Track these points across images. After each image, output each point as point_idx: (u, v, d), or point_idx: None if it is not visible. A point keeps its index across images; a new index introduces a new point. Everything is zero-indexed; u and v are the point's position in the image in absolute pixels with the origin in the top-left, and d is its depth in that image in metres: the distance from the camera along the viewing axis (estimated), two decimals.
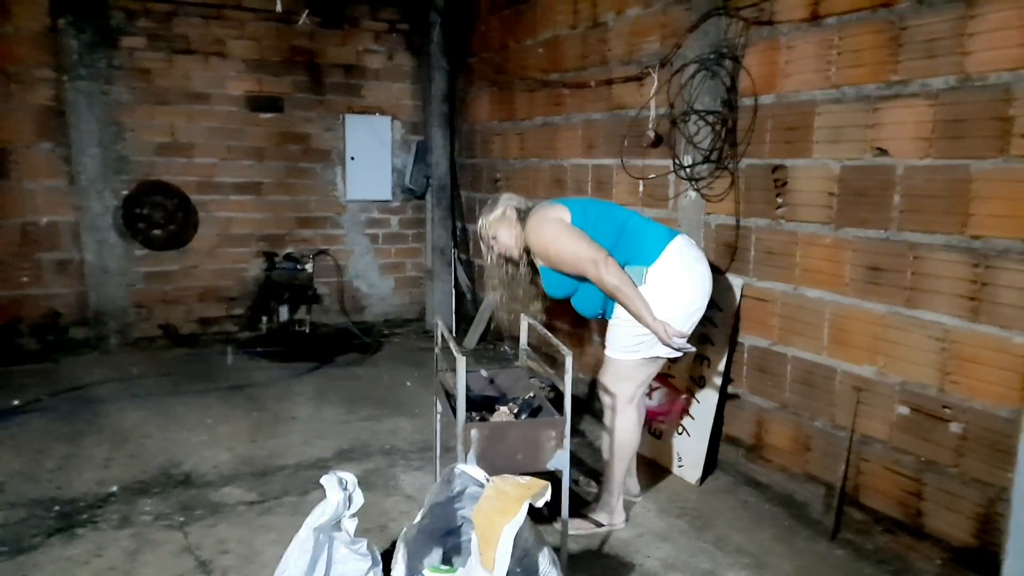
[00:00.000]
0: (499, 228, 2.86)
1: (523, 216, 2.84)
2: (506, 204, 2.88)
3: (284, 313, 5.55)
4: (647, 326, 2.60)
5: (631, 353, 2.74)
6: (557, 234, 2.68)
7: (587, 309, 2.87)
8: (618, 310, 2.72)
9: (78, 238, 5.06)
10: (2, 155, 4.80)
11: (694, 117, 3.22)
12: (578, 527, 2.79)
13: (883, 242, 2.59)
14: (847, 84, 2.67)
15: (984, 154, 2.27)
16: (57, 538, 2.70)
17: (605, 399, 2.84)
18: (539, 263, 2.84)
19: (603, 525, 2.83)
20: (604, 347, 2.83)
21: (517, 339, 2.96)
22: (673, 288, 2.65)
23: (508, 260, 2.94)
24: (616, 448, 2.82)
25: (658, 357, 2.75)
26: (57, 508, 2.91)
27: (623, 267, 2.63)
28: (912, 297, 2.51)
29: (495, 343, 5.46)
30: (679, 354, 2.71)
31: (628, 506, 2.98)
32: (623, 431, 2.81)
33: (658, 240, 2.69)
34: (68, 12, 4.80)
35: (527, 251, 2.87)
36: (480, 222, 2.93)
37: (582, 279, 2.72)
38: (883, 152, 2.56)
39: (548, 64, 4.52)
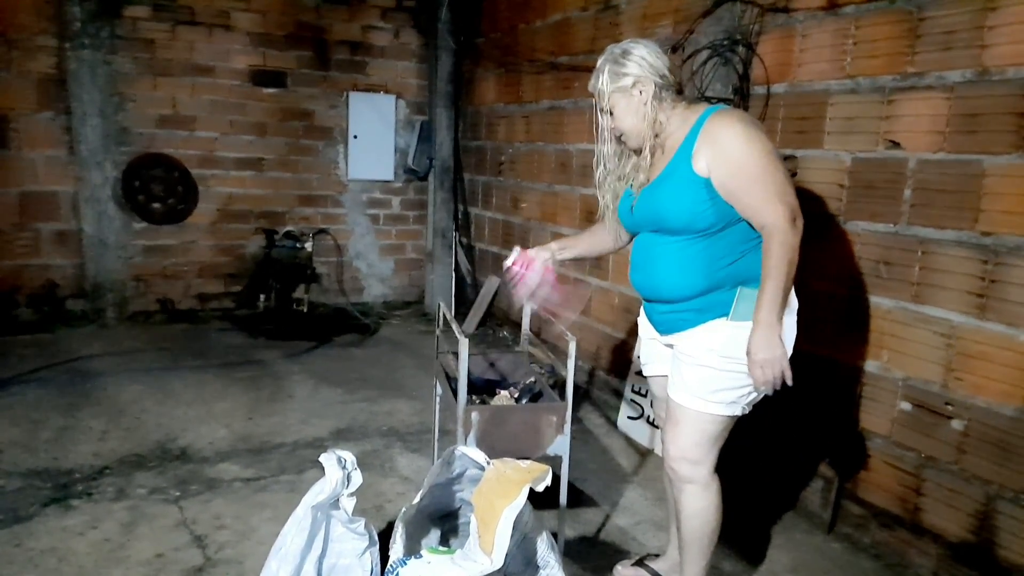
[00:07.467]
0: (619, 102, 2.01)
1: (667, 89, 1.99)
2: (641, 68, 1.98)
3: (282, 292, 5.52)
4: (762, 340, 1.85)
5: (730, 404, 1.98)
6: (770, 154, 1.87)
7: (674, 275, 2.00)
8: (730, 334, 1.93)
9: (77, 209, 5.02)
10: (2, 123, 4.75)
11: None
12: None
13: (892, 236, 2.56)
14: (862, 75, 2.64)
15: (999, 149, 2.24)
16: (53, 509, 2.69)
17: (682, 470, 2.06)
18: (698, 166, 1.92)
19: None
20: (674, 392, 2.04)
21: (517, 324, 2.92)
22: (791, 327, 1.98)
23: (619, 140, 2.10)
24: (700, 536, 2.10)
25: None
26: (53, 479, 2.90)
27: (742, 284, 1.95)
28: (919, 292, 2.49)
29: (494, 328, 5.44)
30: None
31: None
32: (710, 512, 2.09)
33: None
34: None
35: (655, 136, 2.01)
36: (594, 81, 2.06)
37: (722, 228, 1.94)
38: (896, 145, 2.53)
39: (557, 47, 4.47)
